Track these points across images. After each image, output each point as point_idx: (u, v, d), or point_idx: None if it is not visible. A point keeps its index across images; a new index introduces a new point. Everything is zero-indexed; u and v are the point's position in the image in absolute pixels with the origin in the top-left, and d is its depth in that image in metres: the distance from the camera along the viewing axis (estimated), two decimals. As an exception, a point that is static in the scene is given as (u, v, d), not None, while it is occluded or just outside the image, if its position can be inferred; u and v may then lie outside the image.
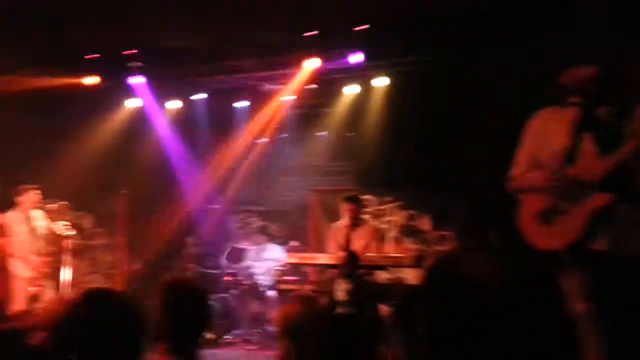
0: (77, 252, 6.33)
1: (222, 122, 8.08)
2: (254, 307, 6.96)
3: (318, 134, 8.17)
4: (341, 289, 4.76)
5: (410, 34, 6.11)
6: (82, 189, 7.07)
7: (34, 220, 6.11)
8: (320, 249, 7.48)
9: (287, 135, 8.46)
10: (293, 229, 8.30)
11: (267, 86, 7.48)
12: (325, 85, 7.18)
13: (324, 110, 7.85)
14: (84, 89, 7.04)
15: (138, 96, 7.35)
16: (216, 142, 8.17)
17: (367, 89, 7.03)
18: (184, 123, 7.99)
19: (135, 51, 6.69)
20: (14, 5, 5.16)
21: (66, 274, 5.78)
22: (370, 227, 5.95)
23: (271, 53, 6.82)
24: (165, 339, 1.93)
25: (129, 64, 6.55)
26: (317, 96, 7.44)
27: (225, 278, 7.19)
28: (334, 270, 5.62)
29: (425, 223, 6.90)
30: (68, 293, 5.70)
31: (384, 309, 4.93)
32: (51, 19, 5.56)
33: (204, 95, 7.54)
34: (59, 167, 7.38)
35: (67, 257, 5.84)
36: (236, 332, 6.85)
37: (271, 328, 6.70)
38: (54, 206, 6.52)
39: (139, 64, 6.64)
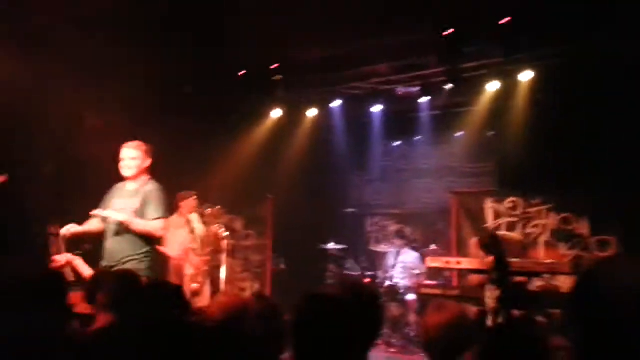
0: (230, 252, 6.87)
1: (358, 128, 8.23)
2: (394, 310, 6.93)
3: (456, 134, 7.94)
4: (491, 296, 4.57)
5: (555, 24, 5.66)
6: (233, 194, 7.63)
7: (192, 223, 6.74)
8: (462, 253, 7.26)
9: (421, 137, 8.36)
10: (431, 232, 8.17)
11: (402, 89, 7.43)
12: (463, 84, 6.94)
13: (462, 109, 7.60)
14: (235, 102, 7.62)
15: (281, 107, 7.77)
16: (353, 147, 8.36)
17: (509, 85, 6.66)
18: (323, 130, 8.27)
19: (277, 65, 7.08)
20: (173, 20, 5.67)
21: (222, 272, 6.27)
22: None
23: (405, 55, 6.77)
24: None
25: (273, 78, 6.92)
26: (454, 95, 7.21)
27: (365, 280, 7.29)
28: (479, 276, 5.43)
29: (582, 227, 6.32)
30: (225, 289, 6.20)
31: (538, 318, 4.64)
32: (202, 36, 6.06)
33: (339, 102, 7.72)
34: (213, 174, 8.12)
35: (223, 257, 6.33)
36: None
37: (412, 332, 6.66)
38: (209, 210, 7.14)
39: (280, 76, 7.00)
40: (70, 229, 4.12)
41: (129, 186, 4.20)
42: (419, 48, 6.51)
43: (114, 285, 2.47)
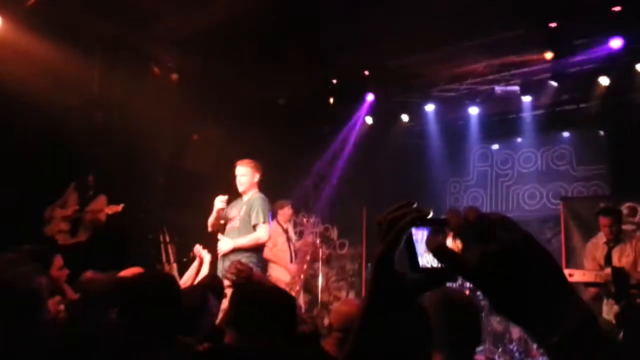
0: (325, 261, 6.92)
1: (453, 131, 7.94)
2: (495, 325, 6.58)
3: (563, 134, 7.38)
4: (609, 312, 4.15)
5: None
6: (327, 203, 7.69)
7: (289, 231, 6.89)
8: (572, 264, 6.72)
9: (524, 139, 7.88)
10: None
11: (501, 89, 7.05)
12: (570, 79, 6.42)
13: (569, 107, 7.05)
14: (328, 111, 7.70)
15: (372, 114, 7.72)
16: (449, 152, 8.08)
17: (622, 78, 6.05)
18: (416, 135, 8.09)
19: (368, 72, 7.05)
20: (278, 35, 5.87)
21: (319, 281, 6.33)
22: (638, 241, 5.07)
23: (504, 52, 6.42)
24: (443, 350, 1.91)
25: (367, 84, 6.92)
26: (559, 92, 6.71)
27: (465, 292, 6.98)
28: (594, 289, 4.98)
29: None
30: (323, 297, 6.26)
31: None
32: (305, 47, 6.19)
33: (433, 106, 7.50)
34: (307, 183, 8.25)
35: (319, 265, 6.39)
36: (479, 348, 6.57)
37: (515, 348, 6.27)
38: (305, 219, 7.26)
39: (372, 82, 6.97)
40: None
41: (243, 198, 4.67)
42: (519, 43, 6.15)
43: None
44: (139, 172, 6.20)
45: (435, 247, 0.76)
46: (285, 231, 6.74)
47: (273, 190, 7.26)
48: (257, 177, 4.63)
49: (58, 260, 3.69)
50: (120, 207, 5.42)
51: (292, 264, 6.63)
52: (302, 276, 6.62)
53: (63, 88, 5.42)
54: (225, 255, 4.42)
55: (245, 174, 4.59)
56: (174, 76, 6.17)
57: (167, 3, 5.12)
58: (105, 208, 5.46)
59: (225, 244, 4.37)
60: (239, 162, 4.64)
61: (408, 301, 0.87)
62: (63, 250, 4.53)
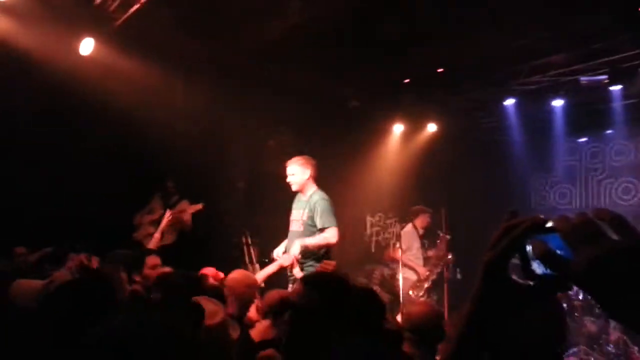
0: (406, 263, 6.84)
1: (536, 126, 7.57)
2: (590, 326, 6.18)
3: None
4: None
5: None
6: (405, 204, 7.60)
7: (422, 237, 7.00)
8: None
9: (614, 130, 7.37)
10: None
11: (586, 79, 6.62)
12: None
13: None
14: (401, 110, 7.62)
15: (450, 111, 7.54)
16: (532, 147, 7.71)
17: None
18: (497, 131, 7.80)
19: (442, 69, 6.87)
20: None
21: (400, 281, 6.28)
22: None
23: (588, 40, 6.03)
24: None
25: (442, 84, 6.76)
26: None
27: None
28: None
29: None
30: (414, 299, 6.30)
31: None
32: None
33: (513, 100, 7.18)
34: (384, 184, 8.19)
35: (399, 266, 6.35)
36: (573, 350, 6.19)
37: (612, 349, 5.87)
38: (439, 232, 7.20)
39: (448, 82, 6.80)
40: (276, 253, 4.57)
41: (301, 197, 4.56)
42: (605, 30, 5.75)
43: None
44: (221, 178, 6.44)
45: (542, 253, 0.76)
46: (421, 237, 6.80)
47: (349, 191, 7.33)
48: (308, 173, 4.41)
49: (152, 260, 3.91)
50: (201, 206, 5.64)
51: (423, 267, 6.78)
52: (430, 280, 6.73)
53: (149, 101, 5.75)
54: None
55: (294, 172, 4.41)
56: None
57: (245, 13, 5.28)
58: (188, 209, 5.70)
59: (294, 248, 4.22)
60: (288, 162, 4.48)
61: (520, 309, 0.85)
62: (151, 253, 4.78)
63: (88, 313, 1.76)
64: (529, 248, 0.82)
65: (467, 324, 0.87)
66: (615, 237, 0.69)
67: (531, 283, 0.83)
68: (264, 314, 2.85)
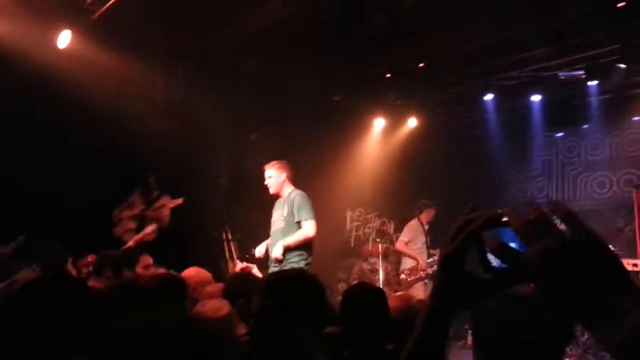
0: (384, 256, 6.90)
1: (514, 120, 7.67)
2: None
3: (634, 119, 6.96)
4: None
5: None
6: (383, 197, 7.64)
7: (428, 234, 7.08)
8: (650, 255, 6.34)
9: (590, 125, 7.51)
10: (607, 231, 7.27)
11: (564, 74, 6.72)
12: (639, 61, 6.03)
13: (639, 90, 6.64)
14: (382, 105, 7.64)
15: (428, 106, 7.60)
16: (510, 142, 7.82)
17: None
18: (475, 126, 7.88)
19: (422, 64, 6.90)
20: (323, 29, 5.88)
21: (380, 275, 6.32)
22: None
23: (566, 36, 6.11)
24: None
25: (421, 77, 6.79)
26: (629, 75, 6.33)
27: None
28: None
29: None
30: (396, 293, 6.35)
31: None
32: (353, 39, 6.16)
33: (491, 95, 7.27)
34: (362, 178, 8.23)
35: (378, 260, 6.39)
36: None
37: (588, 342, 5.98)
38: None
39: (429, 75, 6.83)
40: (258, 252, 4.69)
41: (280, 200, 4.73)
42: (583, 26, 5.83)
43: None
44: (201, 173, 6.41)
45: (495, 246, 0.78)
46: (426, 233, 6.86)
47: (328, 185, 7.34)
48: (284, 175, 4.65)
49: (145, 259, 3.93)
50: (181, 200, 5.63)
51: (424, 259, 6.86)
52: (427, 271, 6.75)
53: (128, 95, 5.68)
54: (276, 243, 4.47)
55: (271, 175, 4.64)
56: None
57: (225, 7, 5.24)
58: (168, 203, 5.68)
59: (276, 250, 4.37)
60: (265, 166, 4.70)
61: (476, 301, 0.88)
62: (131, 249, 4.76)
63: (52, 315, 1.73)
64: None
65: (428, 316, 0.88)
66: (566, 231, 0.71)
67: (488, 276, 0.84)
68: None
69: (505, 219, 0.82)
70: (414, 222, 7.09)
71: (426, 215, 7.02)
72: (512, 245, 0.80)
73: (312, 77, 6.77)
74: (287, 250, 4.39)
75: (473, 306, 0.88)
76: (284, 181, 4.65)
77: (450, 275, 0.86)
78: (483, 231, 0.82)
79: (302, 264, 4.34)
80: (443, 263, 0.86)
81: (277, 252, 4.34)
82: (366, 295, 2.47)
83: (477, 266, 0.85)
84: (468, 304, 0.88)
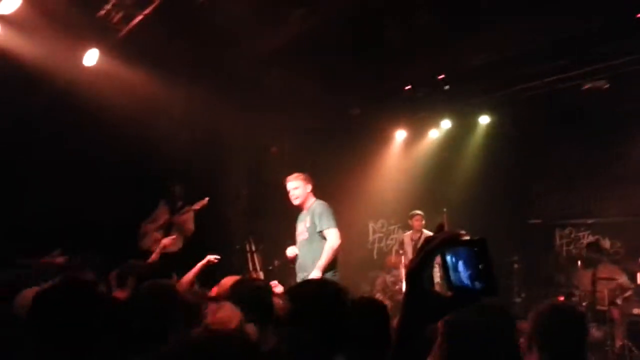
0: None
1: (537, 131, 7.59)
2: (594, 332, 6.14)
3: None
4: None
5: None
6: (406, 208, 7.60)
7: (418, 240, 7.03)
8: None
9: (616, 135, 7.37)
10: (635, 243, 7.09)
11: (587, 84, 6.64)
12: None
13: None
14: (403, 117, 7.65)
15: (450, 117, 7.59)
16: (534, 153, 7.74)
17: None
18: (498, 137, 7.82)
19: (443, 75, 6.90)
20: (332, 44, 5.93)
21: (404, 287, 6.27)
22: None
23: (588, 45, 6.05)
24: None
25: (444, 88, 6.78)
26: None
27: (559, 298, 6.59)
28: None
29: None
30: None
31: None
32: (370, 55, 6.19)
33: (514, 106, 7.21)
34: (385, 189, 8.21)
35: (400, 272, 6.35)
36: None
37: (616, 356, 5.84)
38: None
39: (447, 87, 6.82)
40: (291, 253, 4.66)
41: (303, 211, 4.73)
42: (605, 34, 5.78)
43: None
44: (224, 186, 6.47)
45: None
46: (414, 240, 6.83)
47: (349, 197, 7.34)
48: (309, 187, 4.66)
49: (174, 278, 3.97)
50: (206, 201, 5.66)
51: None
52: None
53: (152, 111, 5.80)
54: (303, 251, 4.52)
55: (297, 186, 4.62)
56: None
57: (245, 21, 5.33)
58: (194, 206, 5.72)
59: (313, 276, 4.28)
60: (288, 178, 4.69)
61: (439, 316, 0.94)
62: (156, 261, 4.81)
63: (70, 320, 1.71)
64: (450, 259, 0.89)
65: (399, 330, 0.93)
66: None
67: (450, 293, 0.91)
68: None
69: (464, 238, 0.89)
70: (408, 234, 7.18)
71: (415, 224, 7.07)
72: (461, 264, 0.88)
73: (332, 90, 6.82)
74: (314, 252, 4.41)
75: (438, 320, 0.94)
76: (309, 192, 4.67)
77: (413, 291, 0.91)
78: (440, 250, 0.88)
79: (335, 278, 4.35)
80: (406, 279, 0.93)
81: (314, 275, 4.29)
82: (368, 310, 2.44)
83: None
84: (433, 318, 0.94)
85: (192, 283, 3.73)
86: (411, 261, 0.92)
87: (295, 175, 4.69)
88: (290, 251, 4.65)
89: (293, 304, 1.76)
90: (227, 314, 2.39)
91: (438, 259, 0.94)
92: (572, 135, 7.56)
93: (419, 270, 0.91)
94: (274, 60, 6.13)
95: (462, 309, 0.93)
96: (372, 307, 2.47)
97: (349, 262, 6.93)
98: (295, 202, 4.66)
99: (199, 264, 4.21)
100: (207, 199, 5.68)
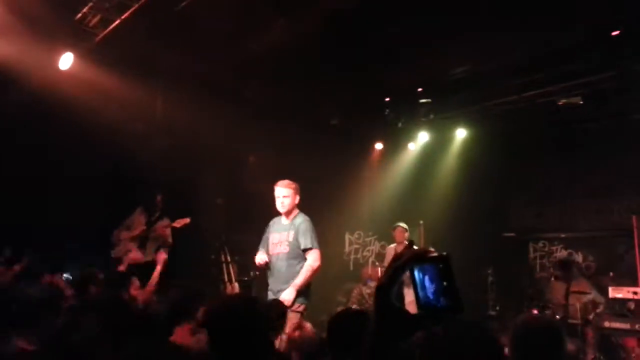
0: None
1: (514, 145, 7.69)
2: (568, 345, 6.22)
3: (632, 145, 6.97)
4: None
5: None
6: (382, 220, 7.63)
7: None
8: (650, 282, 6.29)
9: (590, 151, 7.51)
10: (607, 258, 7.23)
11: (563, 99, 6.76)
12: (635, 90, 6.09)
13: (638, 116, 6.67)
14: (382, 129, 7.69)
15: (428, 130, 7.65)
16: (510, 167, 7.84)
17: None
18: (474, 151, 7.91)
19: (421, 89, 6.97)
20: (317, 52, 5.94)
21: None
22: None
23: (565, 61, 6.17)
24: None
25: (421, 101, 6.84)
26: (629, 101, 6.38)
27: (533, 310, 6.65)
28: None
29: None
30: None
31: None
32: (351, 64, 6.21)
33: (491, 120, 7.31)
34: (361, 202, 8.23)
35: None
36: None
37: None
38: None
39: (428, 100, 6.88)
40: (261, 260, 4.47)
41: (283, 220, 4.56)
42: (581, 51, 5.91)
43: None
44: (200, 194, 6.40)
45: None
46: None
47: (327, 209, 7.33)
48: (297, 198, 4.52)
49: (135, 282, 3.94)
50: (188, 220, 5.55)
51: None
52: None
53: (129, 115, 5.72)
54: (278, 268, 4.37)
55: (288, 195, 4.46)
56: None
57: (226, 29, 5.31)
58: (174, 223, 5.62)
59: (287, 295, 4.17)
60: (279, 183, 4.50)
61: (408, 333, 0.94)
62: (131, 269, 4.72)
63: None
64: (417, 276, 0.90)
65: (369, 346, 0.94)
66: None
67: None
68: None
69: (432, 255, 0.91)
70: (392, 246, 7.12)
71: (397, 236, 6.97)
72: (427, 280, 0.89)
73: (311, 100, 6.83)
74: (289, 271, 4.28)
75: (408, 337, 0.94)
76: (297, 203, 4.55)
77: (382, 307, 0.93)
78: (408, 267, 0.90)
79: (306, 295, 4.26)
80: (375, 295, 0.94)
81: (288, 297, 4.15)
82: (351, 320, 2.43)
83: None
84: (403, 335, 0.94)
85: (152, 292, 3.68)
86: (380, 277, 0.94)
87: (287, 182, 4.53)
88: (260, 258, 4.46)
89: None
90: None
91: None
92: (548, 150, 7.68)
93: (387, 286, 0.92)
94: (254, 69, 6.11)
95: (435, 326, 0.96)
96: (357, 317, 2.44)
97: (325, 273, 6.86)
98: (283, 209, 4.50)
99: (155, 272, 4.17)
100: (188, 219, 5.54)
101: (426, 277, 0.91)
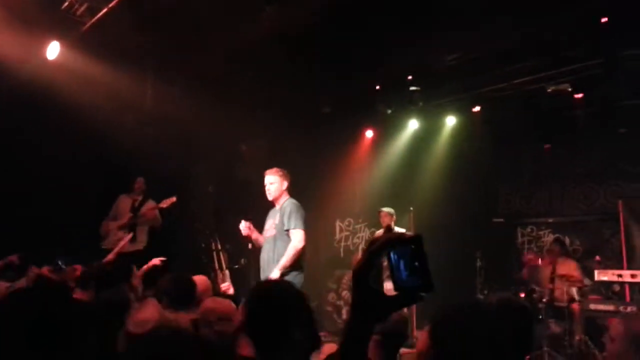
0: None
1: (503, 132, 7.75)
2: (554, 327, 6.35)
3: (620, 131, 7.05)
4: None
5: None
6: (373, 207, 7.68)
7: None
8: (633, 264, 6.43)
9: (577, 137, 7.59)
10: (593, 241, 7.36)
11: (551, 86, 6.81)
12: (626, 74, 6.13)
13: (627, 103, 6.74)
14: (372, 116, 7.70)
15: (418, 117, 7.68)
16: (499, 153, 7.90)
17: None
18: (464, 137, 7.96)
19: (411, 76, 6.97)
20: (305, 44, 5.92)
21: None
22: None
23: (553, 49, 6.21)
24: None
25: (411, 89, 6.85)
26: (614, 88, 6.43)
27: (521, 295, 6.78)
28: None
29: None
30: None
31: None
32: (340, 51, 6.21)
33: (480, 107, 7.35)
34: (352, 188, 8.26)
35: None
36: (535, 352, 6.35)
37: (575, 352, 6.04)
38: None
39: (418, 88, 6.89)
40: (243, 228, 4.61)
41: (275, 207, 4.69)
42: (569, 39, 5.95)
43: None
44: (190, 183, 6.41)
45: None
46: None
47: (319, 195, 7.37)
48: (285, 184, 4.62)
49: (136, 272, 3.95)
50: (174, 199, 5.58)
51: None
52: None
53: (118, 105, 5.69)
54: (268, 251, 4.49)
55: (274, 182, 4.58)
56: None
57: (215, 18, 5.27)
58: (161, 203, 5.63)
59: (273, 275, 4.28)
60: (267, 172, 4.63)
61: (384, 315, 0.97)
62: (122, 258, 4.74)
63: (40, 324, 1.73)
64: (393, 259, 0.93)
65: (347, 329, 0.96)
66: None
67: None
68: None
69: (406, 239, 0.93)
70: (380, 231, 7.05)
71: (383, 220, 6.91)
72: (402, 263, 0.92)
73: (302, 88, 6.81)
74: (284, 270, 4.35)
75: (385, 319, 0.97)
76: (284, 190, 4.63)
77: (359, 291, 0.95)
78: (383, 251, 0.92)
79: (297, 280, 4.29)
80: (353, 279, 0.96)
81: (274, 277, 4.25)
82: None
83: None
84: (380, 317, 0.96)
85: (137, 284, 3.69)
86: (357, 262, 0.95)
87: (274, 170, 4.64)
88: (242, 226, 4.61)
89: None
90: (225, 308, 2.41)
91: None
92: (537, 137, 7.75)
93: (364, 270, 0.94)
94: (244, 57, 6.08)
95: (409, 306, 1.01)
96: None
97: (316, 260, 6.97)
98: (270, 196, 4.62)
99: (146, 266, 4.19)
100: (174, 198, 5.60)
101: (401, 260, 0.94)
